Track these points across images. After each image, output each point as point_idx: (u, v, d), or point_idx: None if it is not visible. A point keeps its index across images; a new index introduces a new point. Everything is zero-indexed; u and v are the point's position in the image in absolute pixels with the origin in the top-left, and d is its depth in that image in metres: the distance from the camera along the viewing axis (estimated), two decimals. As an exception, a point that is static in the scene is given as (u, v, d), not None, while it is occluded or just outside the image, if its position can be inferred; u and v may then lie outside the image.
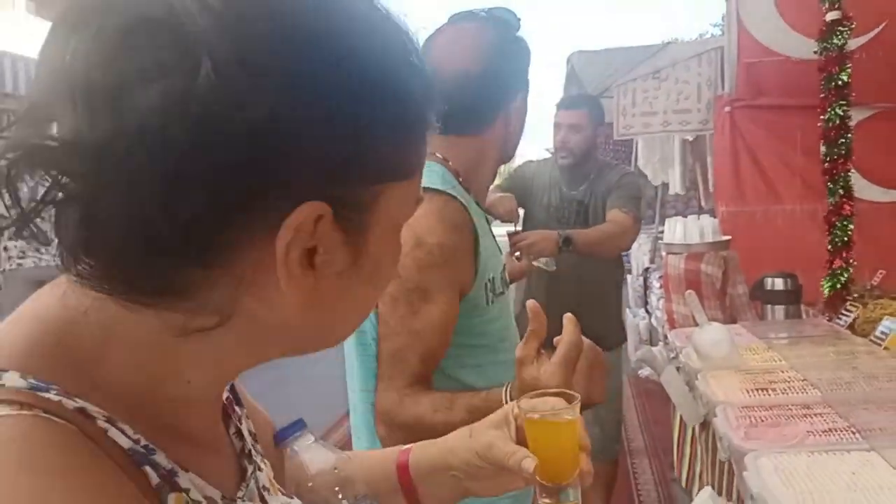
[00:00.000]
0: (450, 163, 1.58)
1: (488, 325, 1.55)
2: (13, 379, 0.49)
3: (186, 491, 0.54)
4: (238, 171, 0.48)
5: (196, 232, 0.49)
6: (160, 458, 0.54)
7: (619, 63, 6.97)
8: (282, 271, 0.53)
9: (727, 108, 5.20)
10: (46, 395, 0.49)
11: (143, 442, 0.53)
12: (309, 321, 0.58)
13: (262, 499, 0.68)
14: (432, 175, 1.54)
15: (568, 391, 0.92)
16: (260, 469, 0.71)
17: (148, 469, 0.52)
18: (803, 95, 4.49)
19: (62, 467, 0.45)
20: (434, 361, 1.47)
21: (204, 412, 0.64)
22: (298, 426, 0.80)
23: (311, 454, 0.78)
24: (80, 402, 0.50)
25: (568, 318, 1.25)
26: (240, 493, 0.64)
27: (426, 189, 1.59)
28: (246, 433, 0.73)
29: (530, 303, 1.26)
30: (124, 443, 0.51)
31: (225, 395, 0.72)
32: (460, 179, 1.57)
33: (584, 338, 1.26)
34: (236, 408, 0.74)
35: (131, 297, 0.52)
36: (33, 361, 0.51)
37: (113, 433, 0.51)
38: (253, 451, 0.72)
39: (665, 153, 7.50)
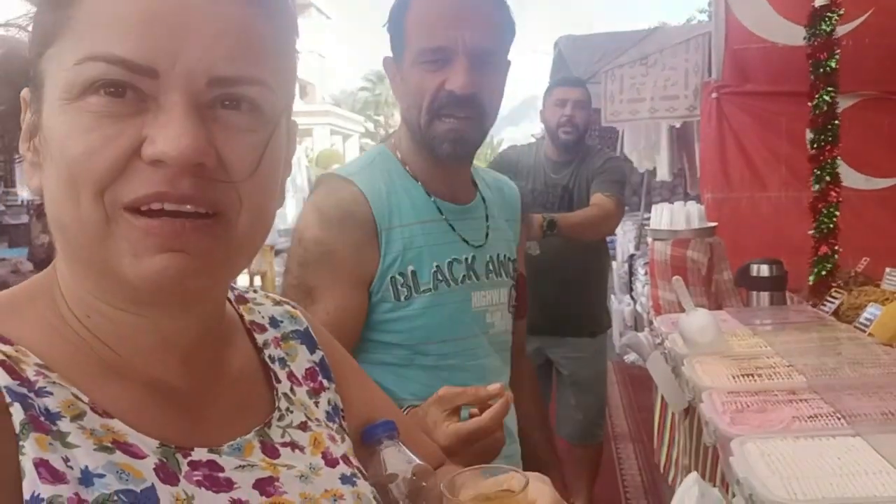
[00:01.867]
0: (398, 146, 1.55)
1: (404, 322, 1.46)
2: None
3: (64, 435, 0.56)
4: None
5: None
6: (52, 400, 0.56)
7: (606, 48, 6.93)
8: (22, 147, 0.61)
9: (714, 95, 5.19)
10: None
11: (39, 384, 0.57)
12: (48, 209, 0.60)
13: (273, 453, 0.69)
14: (361, 157, 1.56)
15: (516, 472, 0.74)
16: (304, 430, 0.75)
17: (16, 406, 0.55)
18: (790, 82, 4.50)
19: None
20: None
21: (170, 355, 0.65)
22: (386, 427, 0.86)
23: (392, 457, 0.83)
24: None
25: (502, 395, 1.18)
26: (225, 446, 0.65)
27: (326, 176, 1.54)
28: (301, 397, 0.77)
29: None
30: (3, 381, 0.55)
31: (285, 363, 0.79)
32: (406, 165, 1.52)
33: (497, 428, 1.17)
34: (321, 379, 0.81)
35: None
36: None
37: None
38: (295, 418, 0.75)
39: (651, 140, 7.50)
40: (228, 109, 0.59)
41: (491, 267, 1.56)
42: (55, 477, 0.54)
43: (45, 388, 0.57)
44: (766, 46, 4.99)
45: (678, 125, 7.10)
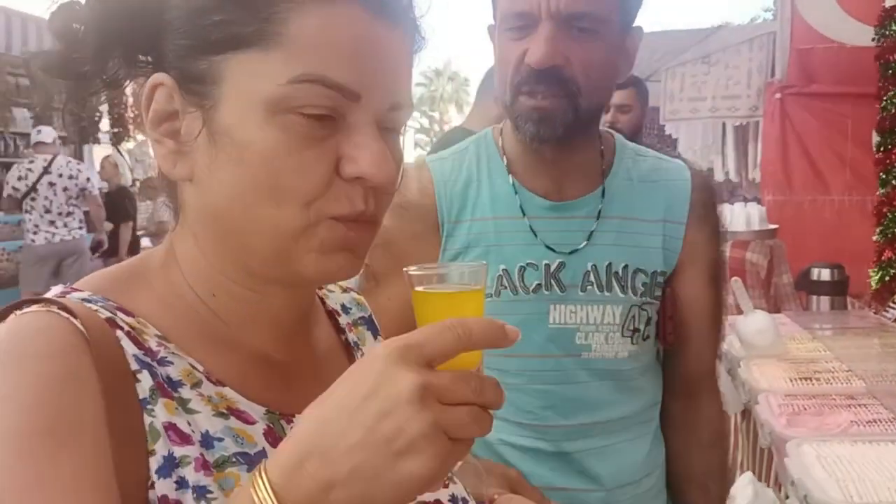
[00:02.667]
0: (503, 129, 1.36)
1: None
2: (77, 295, 0.63)
3: (185, 401, 0.61)
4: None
5: None
6: (173, 369, 0.63)
7: (667, 46, 6.87)
8: (149, 137, 0.65)
9: (777, 95, 5.13)
10: (91, 305, 0.62)
11: (161, 354, 0.63)
12: (211, 200, 0.64)
13: None
14: (463, 140, 1.40)
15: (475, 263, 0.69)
16: None
17: (144, 373, 0.60)
18: (857, 84, 4.42)
19: (34, 353, 0.56)
20: None
21: (274, 330, 0.71)
22: None
23: None
24: (112, 314, 0.62)
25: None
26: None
27: (417, 159, 1.41)
28: None
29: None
30: (131, 349, 0.61)
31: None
32: (503, 152, 1.35)
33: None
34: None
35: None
36: (104, 285, 0.66)
37: (125, 342, 0.61)
38: None
39: (708, 140, 7.41)
40: (390, 131, 0.66)
41: (592, 279, 1.29)
42: (182, 439, 0.59)
43: (165, 357, 0.63)
44: (832, 47, 4.90)
45: (738, 124, 7.00)
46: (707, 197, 1.35)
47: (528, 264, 1.28)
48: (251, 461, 0.62)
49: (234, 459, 0.61)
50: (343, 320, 0.86)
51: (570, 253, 1.28)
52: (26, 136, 9.71)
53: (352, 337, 0.86)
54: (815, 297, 3.41)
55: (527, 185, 1.31)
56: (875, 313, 3.21)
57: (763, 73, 5.70)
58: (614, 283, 1.29)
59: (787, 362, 2.48)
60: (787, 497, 1.72)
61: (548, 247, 1.28)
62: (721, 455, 1.45)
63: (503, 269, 1.28)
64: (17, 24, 6.98)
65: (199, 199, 0.66)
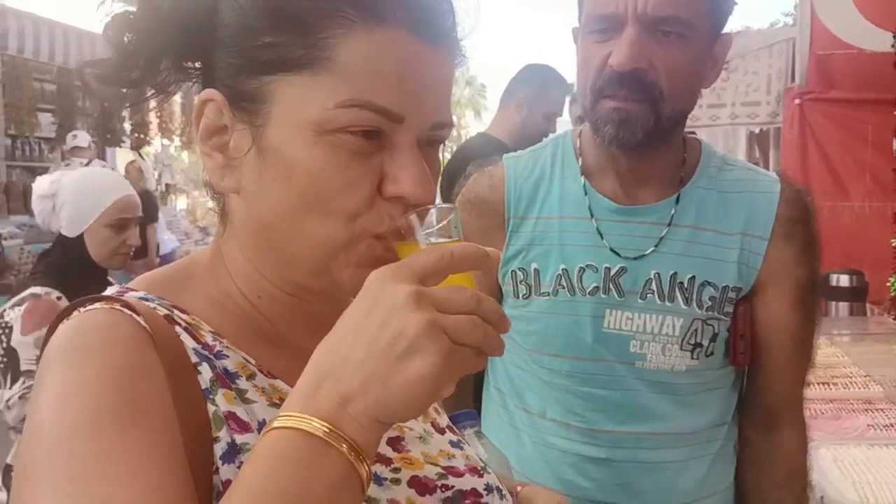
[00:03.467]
0: (582, 131, 1.36)
1: (521, 322, 1.31)
2: (134, 294, 0.68)
3: (243, 392, 0.66)
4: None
5: None
6: (229, 362, 0.67)
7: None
8: (200, 150, 0.69)
9: (797, 101, 5.11)
10: (148, 303, 0.66)
11: (217, 348, 0.67)
12: (257, 213, 0.68)
13: None
14: (541, 144, 1.40)
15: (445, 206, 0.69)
16: None
17: (204, 366, 0.64)
18: (877, 90, 4.41)
19: (102, 344, 0.60)
20: None
21: (314, 328, 0.73)
22: (469, 416, 0.91)
23: (474, 447, 0.87)
24: (169, 311, 0.66)
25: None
26: None
27: (496, 161, 1.39)
28: None
29: None
30: (190, 343, 0.65)
31: None
32: (580, 153, 1.34)
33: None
34: None
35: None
36: (157, 285, 0.71)
37: (184, 337, 0.65)
38: None
39: (728, 146, 7.40)
40: (430, 147, 0.69)
41: (654, 286, 1.25)
42: (242, 427, 0.63)
43: (221, 351, 0.67)
44: (852, 52, 4.89)
45: (758, 131, 6.99)
46: (798, 213, 1.27)
47: (587, 266, 1.26)
48: None
49: None
50: None
51: (636, 258, 1.25)
52: (50, 140, 9.88)
53: None
54: (833, 303, 3.41)
55: (599, 187, 1.29)
56: (894, 319, 3.22)
57: (783, 79, 5.69)
58: (677, 294, 1.25)
59: (805, 367, 2.50)
60: None
61: (612, 250, 1.26)
62: (799, 494, 1.35)
63: (563, 269, 1.27)
64: (44, 30, 7.09)
65: (245, 211, 0.70)
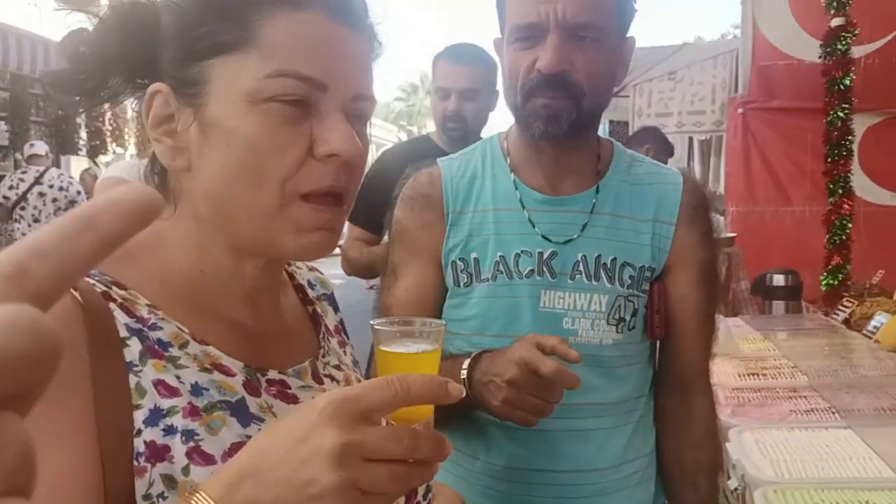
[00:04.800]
0: (508, 133, 1.47)
1: (462, 309, 1.40)
2: None
3: (175, 359, 0.72)
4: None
5: None
6: (163, 333, 0.72)
7: (636, 62, 7.07)
8: (150, 137, 0.75)
9: (740, 110, 5.30)
10: (89, 280, 0.71)
11: (152, 321, 0.72)
12: (204, 184, 0.75)
13: (319, 380, 0.86)
14: (470, 148, 1.50)
15: (426, 320, 0.74)
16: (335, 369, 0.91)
17: (133, 339, 0.70)
18: (814, 99, 4.60)
19: None
20: None
21: (246, 299, 0.82)
22: None
23: None
24: (108, 288, 0.72)
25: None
26: (289, 370, 0.83)
27: (433, 164, 1.48)
28: (334, 346, 0.95)
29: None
30: (122, 319, 0.70)
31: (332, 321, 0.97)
32: (508, 153, 1.45)
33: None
34: (344, 336, 0.99)
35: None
36: (107, 259, 0.74)
37: (117, 313, 0.70)
38: (331, 362, 0.91)
39: (675, 154, 7.61)
40: (356, 120, 0.78)
41: (581, 268, 1.37)
42: (171, 392, 0.69)
43: (156, 323, 0.73)
44: (791, 63, 5.09)
45: (705, 139, 7.21)
46: (698, 201, 1.43)
47: (522, 251, 1.37)
48: (233, 407, 0.73)
49: (219, 405, 0.72)
50: (311, 294, 0.98)
51: (564, 243, 1.37)
52: (3, 148, 9.75)
53: (318, 309, 0.97)
54: (770, 302, 3.57)
55: (527, 181, 1.41)
56: (825, 315, 3.38)
57: (727, 89, 5.90)
58: (602, 274, 1.37)
59: (737, 360, 2.63)
60: (728, 478, 1.85)
61: (543, 236, 1.38)
62: (712, 453, 1.49)
63: (500, 256, 1.38)
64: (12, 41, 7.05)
65: (197, 185, 0.76)
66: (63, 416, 0.63)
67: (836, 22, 3.42)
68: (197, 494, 0.58)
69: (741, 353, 2.73)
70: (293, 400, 0.80)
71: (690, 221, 1.42)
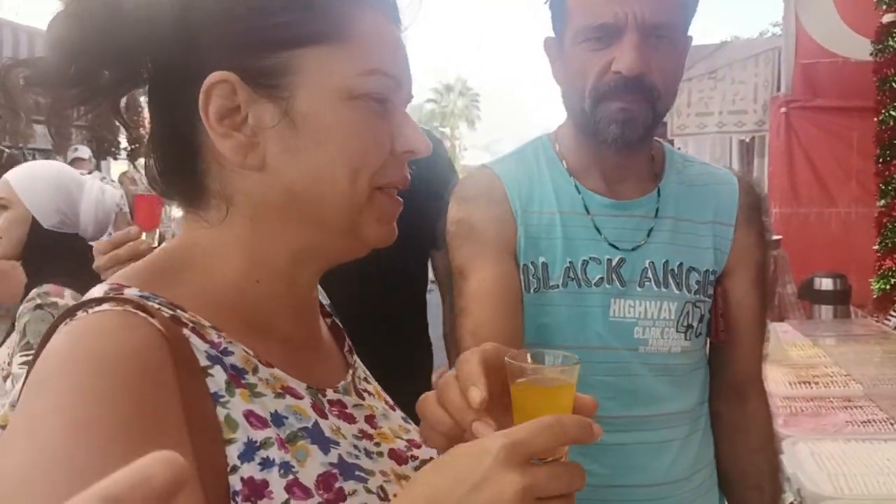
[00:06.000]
0: (558, 136, 1.41)
1: (532, 316, 1.34)
2: (132, 291, 0.67)
3: (253, 386, 0.67)
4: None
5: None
6: (235, 358, 0.68)
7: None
8: (213, 134, 0.68)
9: (783, 109, 5.20)
10: (150, 302, 0.66)
11: (223, 345, 0.67)
12: (288, 181, 0.70)
13: (361, 396, 0.82)
14: (518, 151, 1.44)
15: (565, 353, 0.74)
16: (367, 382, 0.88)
17: (216, 368, 0.66)
18: (861, 97, 4.49)
19: (118, 350, 0.60)
20: (487, 333, 1.27)
21: (295, 313, 0.79)
22: None
23: None
24: (174, 312, 0.66)
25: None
26: (339, 387, 0.79)
27: (482, 167, 1.44)
28: (357, 360, 0.90)
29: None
30: (200, 346, 0.66)
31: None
32: (562, 156, 1.39)
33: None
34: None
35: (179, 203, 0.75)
36: (148, 278, 0.70)
37: (193, 339, 0.65)
38: (361, 375, 0.88)
39: (715, 154, 7.49)
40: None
41: (650, 275, 1.33)
42: (262, 423, 0.65)
43: (227, 347, 0.67)
44: (836, 61, 4.98)
45: (747, 140, 7.08)
46: (754, 201, 1.40)
47: (591, 258, 1.33)
48: (311, 434, 0.69)
49: (300, 434, 0.68)
50: (325, 304, 0.94)
51: (632, 250, 1.33)
52: (45, 151, 9.92)
53: (337, 320, 0.93)
54: (818, 307, 3.47)
55: (587, 186, 1.36)
56: (877, 321, 3.28)
57: (769, 88, 5.78)
58: (670, 280, 1.34)
59: (787, 367, 2.55)
60: (783, 492, 1.79)
61: (610, 243, 1.33)
62: (771, 457, 1.45)
63: (570, 262, 1.33)
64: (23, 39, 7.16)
65: (269, 185, 0.70)
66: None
67: (889, 18, 3.32)
68: None
69: (790, 359, 2.65)
70: (352, 420, 0.76)
71: (748, 222, 1.39)
